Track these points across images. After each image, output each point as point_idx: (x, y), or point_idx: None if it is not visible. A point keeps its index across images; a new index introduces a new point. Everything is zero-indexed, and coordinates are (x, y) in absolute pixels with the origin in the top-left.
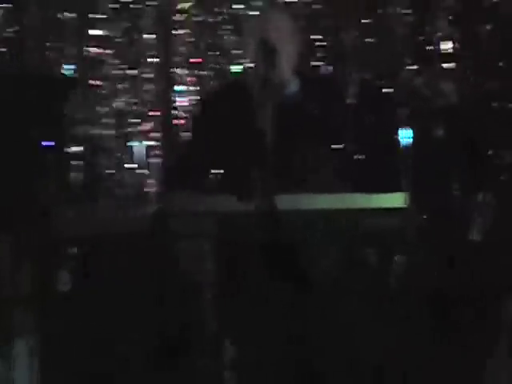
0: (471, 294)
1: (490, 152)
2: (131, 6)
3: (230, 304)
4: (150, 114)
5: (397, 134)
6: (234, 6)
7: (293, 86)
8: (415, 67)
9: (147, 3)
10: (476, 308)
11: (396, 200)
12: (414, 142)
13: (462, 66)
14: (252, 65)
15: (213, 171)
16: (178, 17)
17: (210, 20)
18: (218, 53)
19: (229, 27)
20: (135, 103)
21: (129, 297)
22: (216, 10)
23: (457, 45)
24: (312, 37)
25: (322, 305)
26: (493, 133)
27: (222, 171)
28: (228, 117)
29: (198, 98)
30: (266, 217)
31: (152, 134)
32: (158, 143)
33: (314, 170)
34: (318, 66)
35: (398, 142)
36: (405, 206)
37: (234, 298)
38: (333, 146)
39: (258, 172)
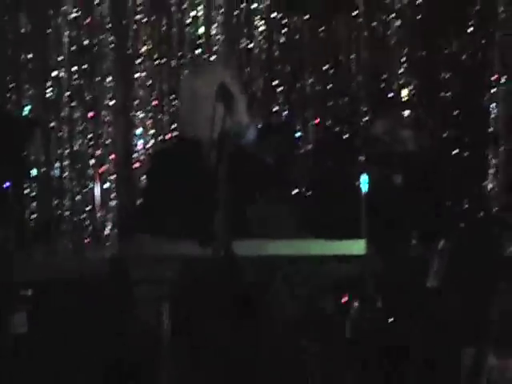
0: (429, 341)
1: (447, 199)
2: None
3: (188, 349)
4: (110, 156)
5: (357, 180)
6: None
7: (250, 133)
8: (374, 114)
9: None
10: (434, 354)
11: (356, 247)
12: (373, 188)
13: (420, 113)
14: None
15: (173, 216)
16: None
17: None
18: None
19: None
20: (94, 145)
21: (84, 341)
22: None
23: (415, 92)
24: (272, 83)
25: (281, 350)
26: (450, 180)
27: (182, 216)
28: (188, 162)
29: (157, 144)
30: (224, 262)
31: (110, 177)
32: (116, 186)
33: (273, 216)
34: (278, 112)
35: (358, 188)
36: (364, 253)
37: (192, 343)
38: (292, 193)
39: (218, 218)
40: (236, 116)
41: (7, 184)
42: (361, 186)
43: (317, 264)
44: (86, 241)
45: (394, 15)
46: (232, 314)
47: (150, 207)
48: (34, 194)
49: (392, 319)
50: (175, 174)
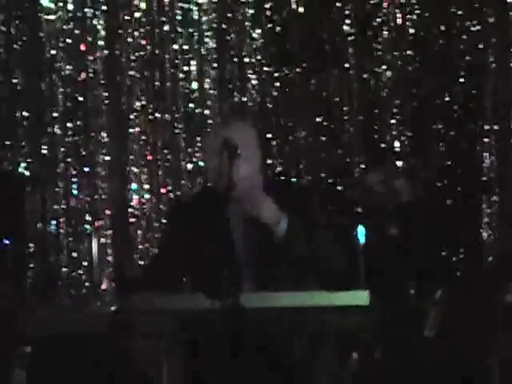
0: None
1: (443, 249)
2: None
3: None
4: (105, 211)
5: (355, 232)
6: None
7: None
8: (368, 165)
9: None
10: None
11: (359, 298)
12: (369, 240)
13: (413, 164)
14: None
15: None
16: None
17: (165, 118)
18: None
19: (182, 126)
20: (90, 201)
21: None
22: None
23: (408, 143)
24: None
25: None
26: (445, 230)
27: (191, 271)
28: (198, 218)
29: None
30: (231, 315)
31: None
32: (112, 241)
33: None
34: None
35: (357, 239)
36: (367, 303)
37: None
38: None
39: (226, 271)
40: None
41: (6, 241)
42: (358, 237)
43: (321, 315)
44: (83, 296)
45: (385, 67)
46: (240, 365)
47: (163, 262)
48: (31, 250)
49: (391, 369)
50: (189, 228)
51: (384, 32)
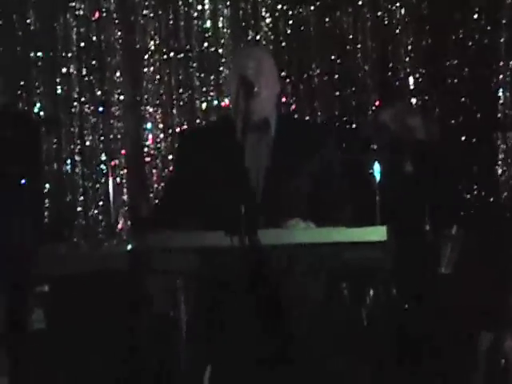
0: (443, 327)
1: (458, 185)
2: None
3: (211, 341)
4: (121, 151)
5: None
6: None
7: (274, 125)
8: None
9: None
10: (449, 340)
11: (376, 233)
12: (385, 176)
13: (428, 100)
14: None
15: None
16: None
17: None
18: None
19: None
20: (105, 141)
21: (106, 336)
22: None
23: (422, 80)
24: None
25: (302, 341)
26: (460, 167)
27: (207, 207)
28: (213, 153)
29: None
30: (250, 252)
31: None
32: (127, 180)
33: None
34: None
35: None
36: (384, 239)
37: (216, 334)
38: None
39: (243, 207)
40: (257, 105)
41: (23, 181)
42: (374, 174)
43: (338, 251)
44: (100, 235)
45: (398, 4)
46: (255, 303)
47: (175, 197)
48: (47, 190)
49: (407, 306)
50: (202, 163)
51: None
